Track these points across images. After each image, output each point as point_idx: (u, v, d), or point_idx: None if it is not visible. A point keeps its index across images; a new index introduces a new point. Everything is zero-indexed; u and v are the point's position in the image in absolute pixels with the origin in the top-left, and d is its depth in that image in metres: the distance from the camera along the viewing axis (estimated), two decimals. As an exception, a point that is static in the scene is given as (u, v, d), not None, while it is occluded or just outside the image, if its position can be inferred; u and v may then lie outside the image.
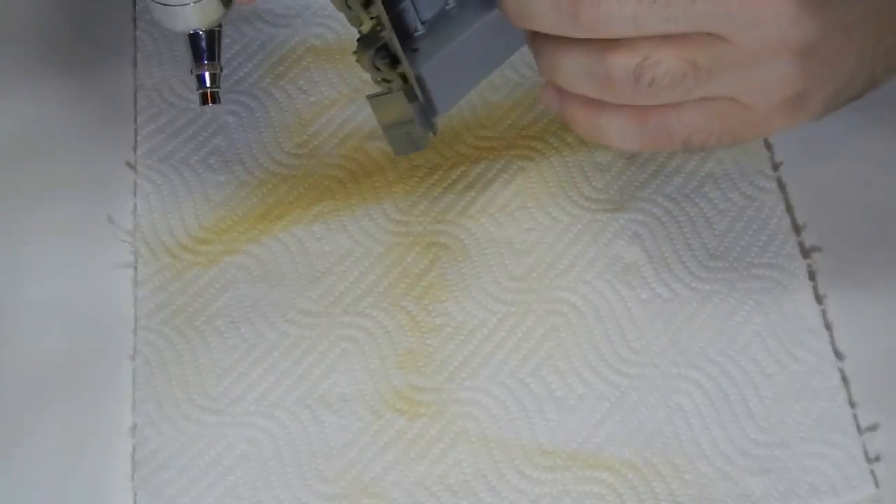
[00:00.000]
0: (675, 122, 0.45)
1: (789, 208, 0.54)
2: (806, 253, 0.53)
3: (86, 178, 0.57)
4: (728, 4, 0.43)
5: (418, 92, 0.50)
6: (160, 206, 0.57)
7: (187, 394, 0.52)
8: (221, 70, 0.50)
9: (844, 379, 0.50)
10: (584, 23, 0.45)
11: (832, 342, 0.51)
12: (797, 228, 0.54)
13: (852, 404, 0.49)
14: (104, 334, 0.53)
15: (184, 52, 0.60)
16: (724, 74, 0.44)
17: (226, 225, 0.56)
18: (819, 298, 0.52)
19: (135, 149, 0.58)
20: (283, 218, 0.56)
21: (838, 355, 0.51)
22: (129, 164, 0.58)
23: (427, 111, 0.52)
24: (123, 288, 0.55)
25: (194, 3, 0.48)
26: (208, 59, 0.49)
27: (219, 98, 0.50)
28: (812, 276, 0.52)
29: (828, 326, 0.51)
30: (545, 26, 0.46)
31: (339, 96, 0.60)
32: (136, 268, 0.55)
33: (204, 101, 0.50)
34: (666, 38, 0.44)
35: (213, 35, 0.49)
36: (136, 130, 0.59)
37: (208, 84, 0.50)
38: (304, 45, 0.61)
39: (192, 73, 0.49)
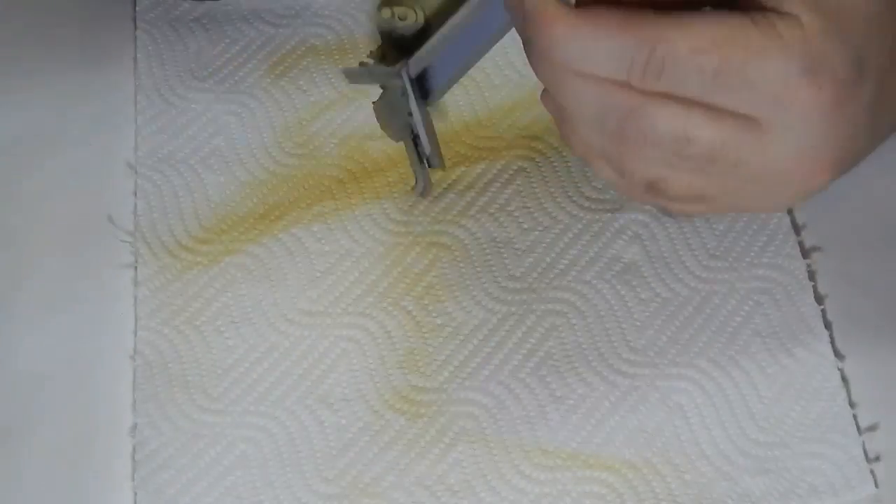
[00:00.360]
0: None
1: (789, 209, 0.54)
2: (806, 253, 0.53)
3: (86, 179, 0.57)
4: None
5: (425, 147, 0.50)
6: (160, 207, 0.57)
7: (188, 394, 0.52)
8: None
9: (844, 379, 0.50)
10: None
11: (832, 342, 0.51)
12: (797, 228, 0.54)
13: (852, 404, 0.49)
14: (104, 335, 0.53)
15: (183, 52, 0.61)
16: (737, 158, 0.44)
17: (226, 225, 0.56)
18: (819, 298, 0.52)
19: (135, 149, 0.58)
20: (283, 218, 0.56)
21: (838, 355, 0.51)
22: (129, 165, 0.58)
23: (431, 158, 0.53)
24: (123, 288, 0.55)
25: None
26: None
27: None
28: (812, 276, 0.52)
29: (828, 326, 0.51)
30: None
31: (339, 96, 0.60)
32: (136, 268, 0.55)
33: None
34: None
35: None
36: (136, 131, 0.59)
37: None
38: (304, 44, 0.61)
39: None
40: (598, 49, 0.43)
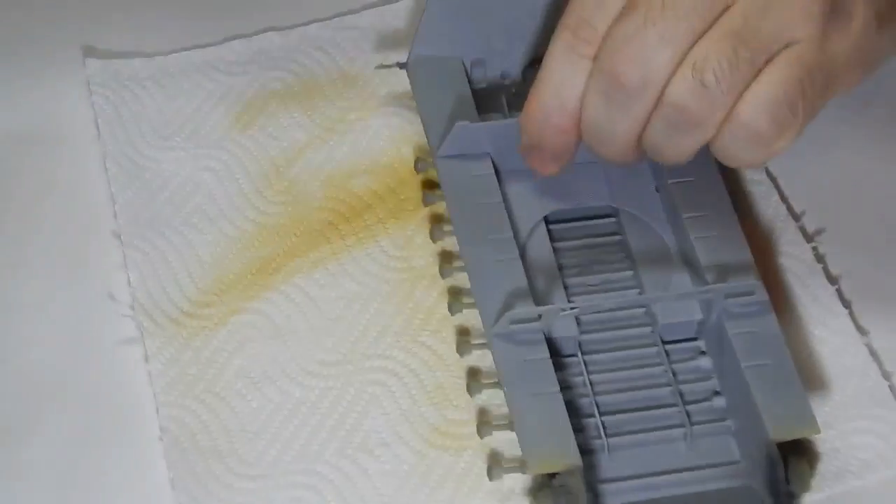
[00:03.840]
0: (767, 89, 0.46)
1: (784, 197, 0.55)
2: (809, 237, 0.55)
3: (75, 254, 0.56)
4: None
5: None
6: (153, 275, 0.55)
7: (224, 463, 0.51)
8: None
9: (873, 353, 0.51)
10: (631, 82, 0.45)
11: (854, 319, 0.52)
12: (795, 216, 0.55)
13: (886, 376, 0.51)
14: (126, 416, 0.52)
15: (142, 112, 0.60)
16: (763, 24, 0.45)
17: (224, 285, 0.55)
18: (832, 279, 0.53)
19: (115, 217, 0.57)
20: (281, 270, 0.55)
21: (862, 331, 0.52)
22: (115, 235, 0.56)
23: None
24: (135, 365, 0.53)
25: None
26: None
27: None
28: (821, 258, 0.54)
29: (846, 305, 0.53)
30: (611, 122, 0.47)
31: (311, 138, 0.59)
32: (143, 342, 0.53)
33: None
34: (694, 41, 0.45)
35: None
36: (112, 199, 0.57)
37: None
38: (265, 90, 0.60)
39: None
40: None
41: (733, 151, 0.47)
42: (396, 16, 0.62)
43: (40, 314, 0.54)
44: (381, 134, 0.59)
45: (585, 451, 0.49)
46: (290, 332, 0.54)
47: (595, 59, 0.47)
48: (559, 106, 0.48)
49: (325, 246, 0.56)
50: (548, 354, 0.50)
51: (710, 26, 0.46)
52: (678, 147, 0.47)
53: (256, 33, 0.62)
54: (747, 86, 0.46)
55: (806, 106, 0.46)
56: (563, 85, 0.48)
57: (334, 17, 0.62)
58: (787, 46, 0.46)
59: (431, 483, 0.50)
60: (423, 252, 0.55)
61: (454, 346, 0.53)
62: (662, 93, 0.46)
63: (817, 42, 0.46)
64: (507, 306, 0.50)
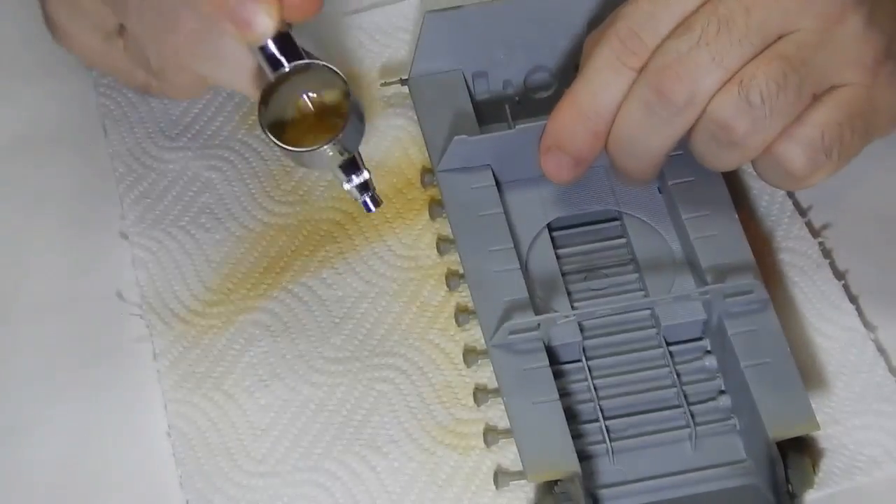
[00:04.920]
0: (807, 130, 0.46)
1: (790, 193, 0.55)
2: (815, 233, 0.55)
3: (83, 254, 0.56)
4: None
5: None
6: (161, 275, 0.55)
7: (232, 461, 0.51)
8: (370, 174, 0.49)
9: (880, 349, 0.52)
10: (677, 99, 0.46)
11: (860, 315, 0.52)
12: (801, 211, 0.55)
13: (893, 371, 0.51)
14: (134, 414, 0.52)
15: (149, 113, 0.60)
16: (814, 58, 0.46)
17: (232, 284, 0.55)
18: (839, 274, 0.53)
19: (122, 217, 0.57)
20: (288, 269, 0.55)
21: (869, 327, 0.52)
22: (122, 235, 0.56)
23: None
24: (144, 363, 0.53)
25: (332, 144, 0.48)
26: (356, 174, 0.49)
27: (379, 200, 0.50)
28: (828, 253, 0.54)
29: (853, 300, 0.53)
30: (645, 135, 0.47)
31: (318, 138, 0.59)
32: (151, 340, 0.54)
33: (367, 208, 0.50)
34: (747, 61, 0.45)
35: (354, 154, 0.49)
36: (119, 199, 0.57)
37: (368, 192, 0.49)
38: (272, 90, 0.61)
39: (344, 186, 0.49)
40: None
41: (766, 176, 0.49)
42: (402, 15, 0.62)
43: (48, 314, 0.55)
44: (387, 135, 0.59)
45: (588, 457, 0.50)
46: (298, 331, 0.54)
47: (641, 71, 0.47)
48: (594, 109, 0.48)
49: (333, 245, 0.56)
50: (547, 363, 0.50)
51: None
52: (719, 160, 0.48)
53: (262, 34, 0.62)
54: (791, 117, 0.46)
55: (842, 150, 0.47)
56: (602, 90, 0.48)
57: (340, 16, 0.62)
58: (834, 88, 0.47)
59: (440, 481, 0.50)
60: (431, 251, 0.56)
61: (462, 345, 0.53)
62: (706, 110, 0.47)
63: (865, 90, 0.47)
64: (507, 317, 0.50)
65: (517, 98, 0.58)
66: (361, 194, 0.49)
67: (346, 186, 0.49)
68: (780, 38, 0.46)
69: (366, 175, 0.49)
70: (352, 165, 0.49)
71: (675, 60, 0.46)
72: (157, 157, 0.59)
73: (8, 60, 0.61)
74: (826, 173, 0.48)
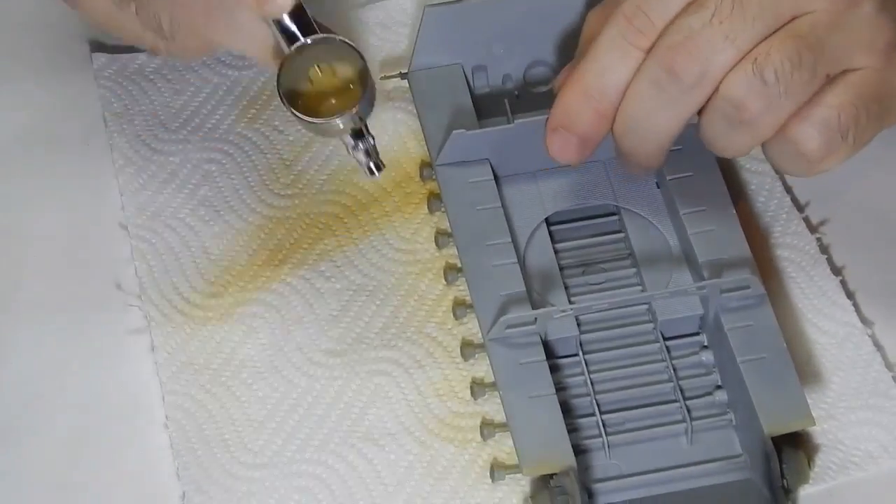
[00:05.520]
0: (822, 111, 0.46)
1: (787, 188, 0.56)
2: (813, 228, 0.55)
3: (82, 246, 0.56)
4: None
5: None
6: (160, 266, 0.56)
7: (229, 453, 0.51)
8: (374, 139, 0.50)
9: (877, 344, 0.52)
10: (688, 77, 0.46)
11: (857, 310, 0.52)
12: (799, 206, 0.55)
13: (889, 367, 0.51)
14: (132, 406, 0.52)
15: (149, 106, 0.60)
16: (828, 39, 0.45)
17: (231, 276, 0.55)
18: (836, 270, 0.54)
19: (122, 209, 0.57)
20: (287, 261, 0.56)
21: (866, 322, 0.52)
22: (122, 226, 0.56)
23: None
24: (142, 354, 0.53)
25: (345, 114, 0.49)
26: (362, 140, 0.50)
27: (382, 164, 0.50)
28: (825, 249, 0.54)
29: (850, 296, 0.53)
30: (654, 115, 0.47)
31: (318, 132, 0.59)
32: (150, 332, 0.54)
33: (372, 172, 0.50)
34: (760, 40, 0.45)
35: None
36: (119, 191, 0.57)
37: (372, 157, 0.50)
38: (271, 84, 0.60)
39: (349, 152, 0.50)
40: None
41: (779, 161, 0.48)
42: (401, 10, 0.62)
43: (48, 305, 0.55)
44: (386, 128, 0.59)
45: (584, 451, 0.50)
46: (295, 323, 0.54)
47: (649, 50, 0.47)
48: (601, 90, 0.48)
49: (331, 238, 0.56)
50: (543, 357, 0.50)
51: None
52: (729, 142, 0.48)
53: (262, 27, 0.62)
54: (805, 97, 0.46)
55: (858, 133, 0.47)
56: (609, 69, 0.48)
57: (339, 11, 0.62)
58: (847, 72, 0.46)
59: (435, 474, 0.50)
60: (429, 245, 0.56)
61: (459, 338, 0.53)
62: (718, 88, 0.46)
63: (879, 73, 0.47)
64: (504, 311, 0.51)
65: (516, 92, 0.58)
66: (367, 159, 0.50)
67: (353, 152, 0.50)
68: (793, 18, 0.46)
69: (371, 140, 0.49)
70: (359, 132, 0.49)
71: (687, 38, 0.46)
72: (156, 150, 0.59)
73: (8, 53, 0.62)
74: (840, 157, 0.47)
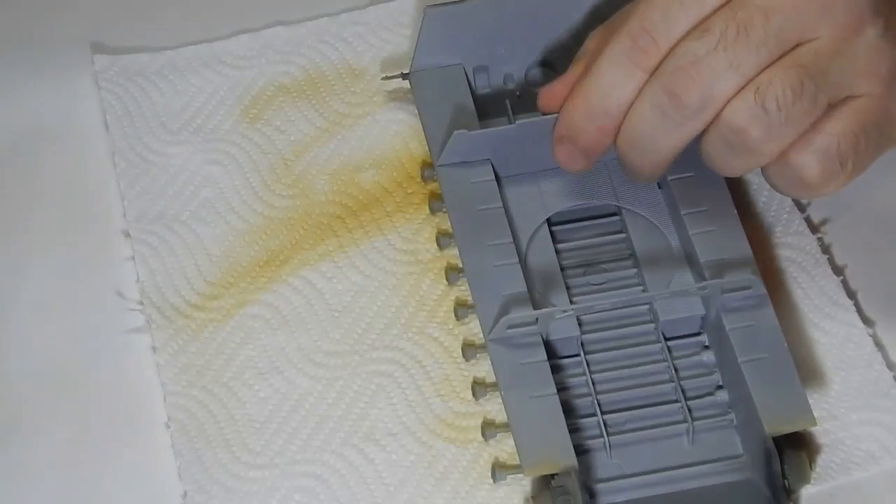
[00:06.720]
0: (822, 139, 0.46)
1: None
2: (815, 228, 0.55)
3: (83, 249, 0.56)
4: (796, 4, 0.45)
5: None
6: (162, 269, 0.56)
7: (231, 453, 0.51)
8: None
9: (878, 344, 0.52)
10: (690, 102, 0.46)
11: (859, 310, 0.52)
12: (801, 206, 0.55)
13: (891, 367, 0.51)
14: (133, 406, 0.52)
15: (151, 107, 0.60)
16: (831, 67, 0.46)
17: (232, 277, 0.55)
18: (837, 270, 0.54)
19: (124, 214, 0.57)
20: (288, 262, 0.56)
21: (867, 322, 0.52)
22: (123, 228, 0.56)
23: None
24: (143, 355, 0.53)
25: None
26: None
27: None
28: (826, 249, 0.54)
29: (851, 296, 0.53)
30: (656, 135, 0.47)
31: (319, 132, 0.59)
32: (151, 334, 0.54)
33: None
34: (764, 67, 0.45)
35: None
36: (121, 195, 0.57)
37: None
38: (272, 84, 0.61)
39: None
40: None
41: (778, 184, 0.48)
42: (403, 11, 0.62)
43: (49, 308, 0.55)
44: (388, 129, 0.59)
45: (586, 451, 0.50)
46: (297, 324, 0.54)
47: (653, 71, 0.47)
48: (604, 108, 0.48)
49: (333, 239, 0.56)
50: (545, 357, 0.50)
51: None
52: (729, 165, 0.48)
53: (264, 27, 0.62)
54: (806, 125, 0.46)
55: (857, 161, 0.47)
56: (612, 89, 0.48)
57: (341, 11, 0.62)
58: (849, 99, 0.47)
59: (437, 474, 0.50)
60: (430, 245, 0.56)
61: (461, 339, 0.53)
62: (720, 114, 0.46)
63: (879, 100, 0.47)
64: (505, 311, 0.51)
65: (518, 92, 0.58)
66: None
67: None
68: (797, 45, 0.46)
69: None
70: None
71: (691, 63, 0.46)
72: (158, 152, 0.59)
73: (9, 53, 0.62)
74: (839, 184, 0.47)
